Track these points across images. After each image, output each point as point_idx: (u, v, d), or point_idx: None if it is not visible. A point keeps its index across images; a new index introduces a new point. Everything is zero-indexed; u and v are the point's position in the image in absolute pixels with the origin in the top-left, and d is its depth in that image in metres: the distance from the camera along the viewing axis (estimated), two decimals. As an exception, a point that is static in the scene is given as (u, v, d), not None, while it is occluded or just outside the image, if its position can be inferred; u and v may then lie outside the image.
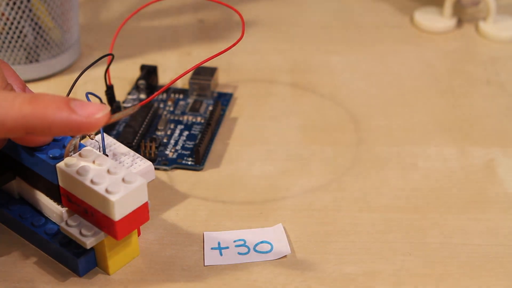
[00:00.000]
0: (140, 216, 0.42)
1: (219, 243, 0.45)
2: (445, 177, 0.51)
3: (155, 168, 0.51)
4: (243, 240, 0.45)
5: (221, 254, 0.44)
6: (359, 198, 0.49)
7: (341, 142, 0.54)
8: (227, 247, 0.45)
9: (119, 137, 0.52)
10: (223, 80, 0.60)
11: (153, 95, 0.44)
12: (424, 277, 0.44)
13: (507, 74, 0.61)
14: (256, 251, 0.44)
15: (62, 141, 0.43)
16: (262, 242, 0.45)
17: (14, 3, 0.55)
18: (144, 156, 0.51)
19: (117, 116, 0.40)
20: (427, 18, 0.67)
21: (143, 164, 0.44)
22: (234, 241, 0.45)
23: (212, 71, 0.58)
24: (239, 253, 0.44)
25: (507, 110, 0.57)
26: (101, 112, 0.38)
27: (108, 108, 0.38)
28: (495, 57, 0.63)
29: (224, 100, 0.57)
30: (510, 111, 0.57)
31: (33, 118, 0.37)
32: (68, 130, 0.38)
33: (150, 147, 0.51)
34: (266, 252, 0.44)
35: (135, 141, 0.52)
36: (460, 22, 0.67)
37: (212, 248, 0.45)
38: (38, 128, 0.38)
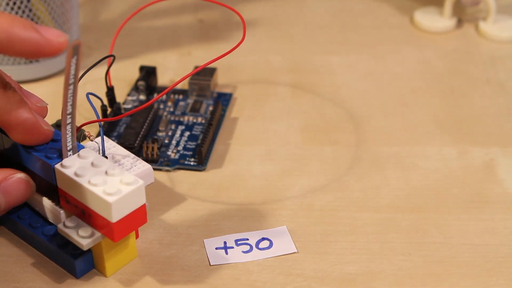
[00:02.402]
0: (137, 218, 0.41)
1: (225, 243, 0.45)
2: (445, 177, 0.51)
3: (158, 169, 0.51)
4: (247, 238, 0.45)
5: (226, 253, 0.44)
6: (359, 198, 0.49)
7: (341, 142, 0.54)
8: (232, 247, 0.45)
9: (120, 139, 0.52)
10: (222, 80, 0.60)
11: (158, 96, 0.44)
12: (424, 277, 0.44)
13: (507, 74, 0.61)
14: (259, 248, 0.44)
15: (61, 141, 0.43)
16: (264, 239, 0.45)
17: (14, 3, 0.55)
18: (147, 157, 0.51)
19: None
20: (427, 18, 0.67)
21: (142, 167, 0.44)
22: (236, 240, 0.45)
23: (211, 71, 0.58)
24: (243, 252, 0.44)
25: (507, 110, 0.57)
26: (62, 37, 0.39)
27: (66, 36, 0.39)
28: (495, 57, 0.63)
29: (224, 100, 0.57)
30: (510, 111, 0.57)
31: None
32: (31, 48, 0.39)
33: (152, 148, 0.51)
34: (268, 248, 0.44)
35: (137, 142, 0.51)
36: (460, 22, 0.67)
37: (216, 248, 0.44)
38: (3, 42, 0.38)
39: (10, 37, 0.38)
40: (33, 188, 0.43)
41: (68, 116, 0.40)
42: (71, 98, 0.40)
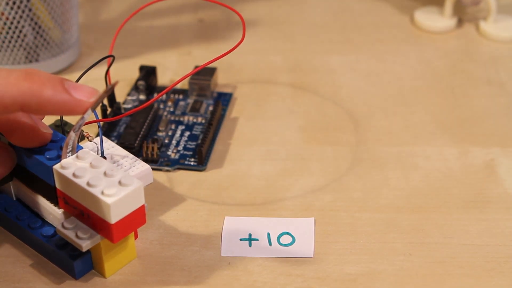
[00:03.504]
0: (136, 219, 0.41)
1: (250, 235, 0.44)
2: (445, 177, 0.51)
3: (158, 169, 0.51)
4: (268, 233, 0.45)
5: (250, 245, 0.44)
6: (359, 198, 0.49)
7: (341, 142, 0.54)
8: (257, 239, 0.44)
9: (120, 139, 0.52)
10: (222, 80, 0.60)
11: (157, 96, 0.44)
12: (424, 277, 0.44)
13: (507, 74, 0.60)
14: (280, 243, 0.44)
15: (60, 142, 0.43)
16: (285, 233, 0.45)
17: (14, 3, 0.55)
18: (146, 157, 0.51)
19: (100, 98, 0.39)
20: (427, 18, 0.66)
21: (141, 167, 0.44)
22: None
23: (211, 71, 0.58)
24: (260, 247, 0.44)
25: (507, 110, 0.57)
26: (93, 97, 0.39)
27: (98, 91, 0.39)
28: (495, 57, 0.63)
29: (224, 100, 0.57)
30: (510, 111, 0.57)
31: (30, 96, 0.38)
32: (61, 110, 0.39)
33: (152, 148, 0.51)
34: (288, 245, 0.44)
35: (136, 142, 0.51)
36: (460, 22, 0.67)
37: (241, 239, 0.44)
38: (33, 106, 0.38)
39: (40, 101, 0.38)
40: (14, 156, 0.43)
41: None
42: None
